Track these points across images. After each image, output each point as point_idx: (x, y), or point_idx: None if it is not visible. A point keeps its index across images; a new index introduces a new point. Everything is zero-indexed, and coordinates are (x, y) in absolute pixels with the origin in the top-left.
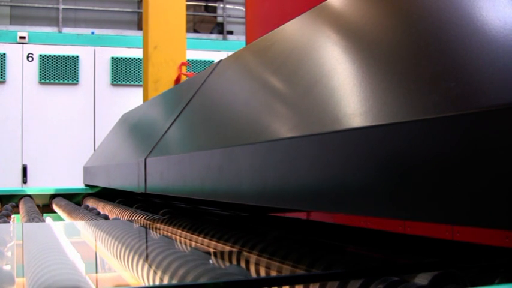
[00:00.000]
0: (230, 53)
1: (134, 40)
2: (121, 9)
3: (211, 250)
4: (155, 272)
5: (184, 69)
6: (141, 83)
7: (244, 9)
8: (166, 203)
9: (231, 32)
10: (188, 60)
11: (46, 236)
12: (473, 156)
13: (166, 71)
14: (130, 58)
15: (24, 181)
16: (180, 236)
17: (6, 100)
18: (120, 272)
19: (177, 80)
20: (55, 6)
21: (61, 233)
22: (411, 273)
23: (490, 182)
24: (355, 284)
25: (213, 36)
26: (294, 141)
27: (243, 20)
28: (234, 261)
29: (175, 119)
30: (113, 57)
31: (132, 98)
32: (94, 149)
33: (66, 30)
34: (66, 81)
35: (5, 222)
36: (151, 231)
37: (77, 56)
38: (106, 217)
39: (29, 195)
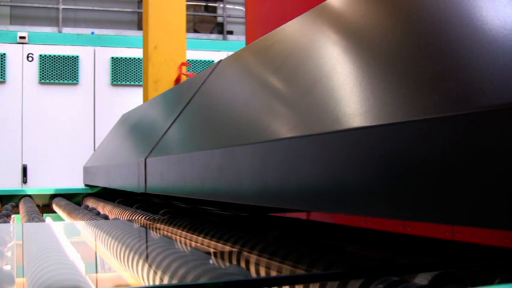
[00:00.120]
0: (230, 53)
1: (134, 40)
2: (121, 9)
3: (211, 250)
4: (155, 272)
5: (184, 69)
6: (141, 83)
7: (244, 9)
8: (166, 203)
9: (231, 32)
10: (188, 60)
11: (46, 236)
12: (473, 156)
13: (166, 71)
14: (130, 58)
15: (24, 181)
16: (180, 236)
17: (6, 100)
18: (120, 272)
19: (177, 80)
20: (55, 6)
21: (61, 233)
22: (411, 273)
23: (490, 182)
24: (355, 284)
25: (213, 36)
26: (294, 141)
27: (243, 20)
28: (234, 261)
29: (175, 119)
30: (113, 57)
31: (132, 98)
32: (94, 149)
33: (66, 30)
34: (66, 81)
35: (5, 222)
36: (151, 231)
37: (77, 56)
38: (106, 217)
39: (29, 195)
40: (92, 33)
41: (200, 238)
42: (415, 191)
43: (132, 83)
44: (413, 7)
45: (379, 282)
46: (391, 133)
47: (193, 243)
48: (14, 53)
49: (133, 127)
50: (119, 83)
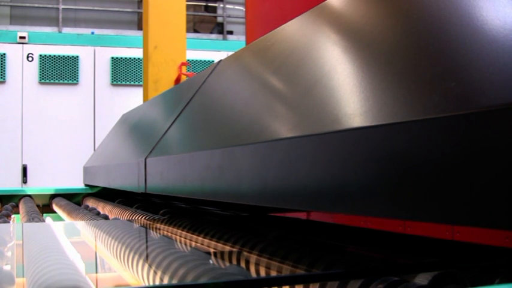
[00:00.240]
0: (230, 53)
1: (134, 40)
2: (121, 9)
3: (211, 250)
4: (155, 272)
5: (184, 69)
6: (141, 83)
7: (244, 9)
8: (166, 203)
9: (231, 32)
10: (188, 60)
11: (46, 236)
12: (473, 156)
13: (166, 71)
14: (130, 58)
15: (24, 181)
16: (180, 236)
17: (6, 100)
18: (120, 272)
19: (177, 80)
20: (55, 6)
21: (61, 233)
22: (411, 273)
23: (490, 182)
24: (355, 284)
25: (213, 36)
26: (294, 141)
27: (243, 20)
28: (234, 261)
29: (175, 119)
30: (113, 57)
31: (132, 98)
32: (94, 149)
33: (66, 30)
34: (66, 81)
35: (5, 222)
36: (151, 231)
37: (77, 56)
38: (106, 217)
39: (29, 195)
40: (92, 33)
41: (200, 238)
42: (415, 191)
43: (132, 83)
44: (413, 7)
45: (379, 282)
46: (391, 133)
47: (193, 243)
48: (14, 53)
49: (133, 127)
50: (119, 83)
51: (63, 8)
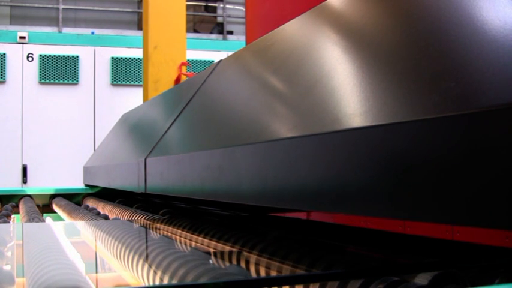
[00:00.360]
0: (230, 53)
1: (134, 40)
2: (121, 9)
3: (211, 250)
4: (155, 272)
5: (184, 69)
6: (141, 83)
7: (244, 9)
8: (166, 203)
9: (231, 32)
10: (188, 60)
11: (46, 236)
12: (473, 156)
13: (166, 71)
14: (130, 58)
15: (24, 181)
16: (180, 236)
17: (6, 100)
18: (120, 272)
19: (177, 80)
20: (55, 6)
21: (61, 233)
22: (411, 273)
23: (490, 182)
24: (355, 284)
25: (213, 36)
26: (294, 141)
27: (243, 20)
28: (234, 261)
29: (175, 119)
30: (113, 57)
31: (132, 98)
32: (94, 149)
33: (66, 30)
34: (66, 81)
35: (5, 222)
36: (151, 231)
37: (77, 56)
38: (106, 217)
39: (29, 195)
40: (92, 33)
41: (200, 238)
42: (415, 191)
43: (132, 83)
44: (413, 7)
45: (379, 282)
46: (391, 133)
47: (193, 243)
48: (14, 53)
49: (133, 127)
50: (119, 83)
51: (63, 8)
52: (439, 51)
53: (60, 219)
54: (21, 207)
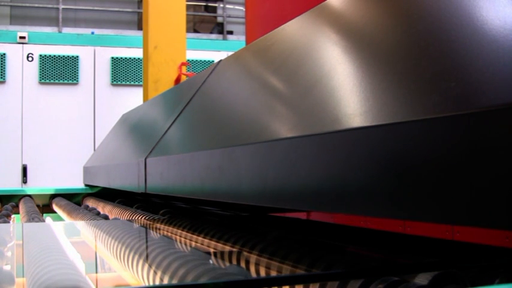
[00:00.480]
0: (230, 53)
1: (134, 40)
2: (121, 9)
3: (211, 250)
4: (155, 272)
5: (184, 69)
6: (141, 83)
7: (244, 9)
8: (166, 203)
9: (231, 32)
10: (188, 60)
11: (46, 236)
12: (473, 156)
13: (166, 71)
14: (130, 58)
15: (24, 181)
16: (180, 236)
17: (6, 100)
18: (120, 272)
19: (177, 80)
20: (55, 6)
21: (61, 233)
22: (411, 273)
23: (490, 182)
24: (355, 284)
25: (213, 36)
26: (294, 141)
27: (243, 20)
28: (234, 261)
29: (175, 119)
30: (113, 57)
31: (132, 98)
32: (94, 149)
33: (66, 30)
34: (66, 81)
35: (5, 222)
36: (151, 231)
37: (77, 56)
38: (106, 217)
39: (29, 195)
40: (92, 33)
41: (200, 238)
42: (415, 191)
43: (132, 83)
44: (413, 7)
45: (379, 282)
46: (391, 133)
47: (193, 243)
48: (14, 53)
49: (133, 127)
50: (119, 83)
51: (63, 8)
52: (439, 51)
53: (60, 219)
54: (21, 207)
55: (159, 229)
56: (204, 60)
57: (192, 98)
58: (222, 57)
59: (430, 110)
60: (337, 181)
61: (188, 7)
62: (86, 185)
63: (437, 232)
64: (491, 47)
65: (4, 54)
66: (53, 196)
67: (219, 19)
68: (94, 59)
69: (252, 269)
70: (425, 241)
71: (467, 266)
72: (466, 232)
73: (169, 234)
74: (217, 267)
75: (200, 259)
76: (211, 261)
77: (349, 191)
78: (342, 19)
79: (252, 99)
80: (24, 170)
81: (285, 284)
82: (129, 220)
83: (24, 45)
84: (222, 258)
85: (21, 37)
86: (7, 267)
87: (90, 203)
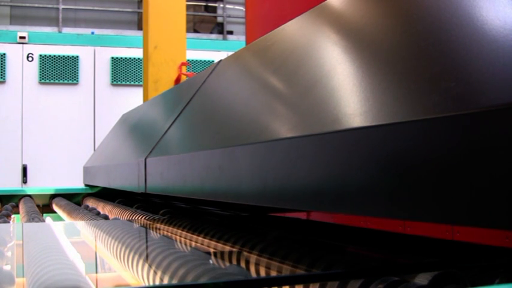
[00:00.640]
0: (230, 53)
1: (134, 40)
2: (121, 9)
3: (211, 250)
4: (155, 272)
5: (184, 69)
6: (141, 83)
7: (244, 9)
8: (166, 203)
9: (231, 32)
10: (188, 60)
11: (46, 236)
12: (473, 156)
13: (166, 71)
14: (130, 58)
15: (24, 181)
16: (180, 236)
17: (6, 100)
18: (120, 272)
19: (177, 80)
20: (55, 6)
21: (61, 233)
22: (411, 273)
23: (490, 182)
24: (355, 284)
25: (213, 36)
26: (294, 141)
27: (243, 20)
28: (234, 261)
29: (175, 119)
30: (113, 57)
31: (132, 98)
32: (94, 149)
33: (66, 30)
34: (66, 81)
35: (5, 222)
36: (151, 231)
37: (77, 56)
38: (106, 217)
39: (29, 195)
40: (92, 33)
41: (200, 238)
42: (415, 191)
43: (132, 83)
44: (413, 7)
45: (379, 282)
46: (391, 133)
47: (193, 243)
48: (14, 53)
49: (133, 127)
50: (119, 83)
51: (63, 8)
52: (439, 51)
53: (60, 219)
54: (21, 207)
55: (159, 229)
56: (204, 60)
57: (192, 98)
58: (222, 57)
59: (430, 110)
60: (337, 181)
61: (188, 7)
62: (86, 185)
63: (437, 232)
64: (491, 47)
65: (4, 54)
66: (53, 196)
67: (219, 19)
68: (94, 59)
69: (252, 269)
70: (425, 241)
71: (467, 266)
72: (466, 232)
73: (169, 234)
74: (217, 267)
75: (200, 259)
76: (211, 261)
77: (349, 191)
78: (342, 19)
79: (252, 99)
80: (24, 170)
81: (285, 284)
82: (129, 220)
83: (24, 45)
84: (222, 258)
85: (21, 37)
86: (7, 267)
87: (90, 203)
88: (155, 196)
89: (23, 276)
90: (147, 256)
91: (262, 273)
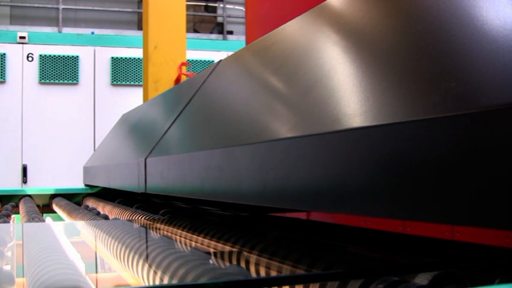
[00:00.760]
0: (230, 53)
1: (134, 40)
2: (121, 9)
3: (211, 250)
4: (155, 272)
5: (184, 69)
6: (141, 83)
7: (244, 9)
8: (166, 203)
9: (231, 32)
10: (188, 60)
11: (46, 236)
12: (473, 156)
13: (166, 71)
14: (130, 58)
15: (24, 181)
16: (180, 236)
17: (6, 100)
18: (120, 272)
19: (177, 80)
20: (55, 6)
21: (61, 233)
22: (411, 273)
23: (490, 182)
24: (355, 284)
25: (213, 36)
26: (294, 141)
27: (243, 20)
28: (234, 261)
29: (175, 119)
30: (113, 57)
31: (132, 98)
32: (94, 149)
33: (66, 30)
34: (66, 81)
35: (5, 222)
36: (151, 231)
37: (77, 56)
38: (106, 217)
39: (29, 195)
40: (92, 33)
41: (200, 238)
42: (415, 191)
43: (132, 83)
44: (413, 7)
45: (379, 282)
46: (391, 133)
47: (193, 243)
48: (14, 53)
49: (133, 127)
50: (119, 83)
51: (63, 8)
52: (439, 51)
53: (60, 219)
54: (21, 207)
55: (159, 229)
56: (204, 60)
57: (192, 98)
58: (222, 57)
59: (430, 110)
60: (337, 181)
61: (188, 7)
62: (86, 185)
63: (437, 232)
64: (491, 47)
65: (4, 54)
66: (53, 196)
67: (219, 19)
68: (94, 59)
69: (252, 269)
70: (425, 241)
71: (467, 266)
72: (466, 232)
73: (169, 234)
74: (217, 267)
75: (200, 259)
76: (211, 261)
77: (349, 191)
78: (342, 19)
79: (252, 99)
80: (24, 170)
81: (285, 284)
82: (129, 220)
83: (24, 45)
84: (222, 258)
85: (21, 37)
86: (7, 267)
87: (90, 203)
88: (155, 196)
89: (23, 276)
90: (147, 256)
91: (262, 273)
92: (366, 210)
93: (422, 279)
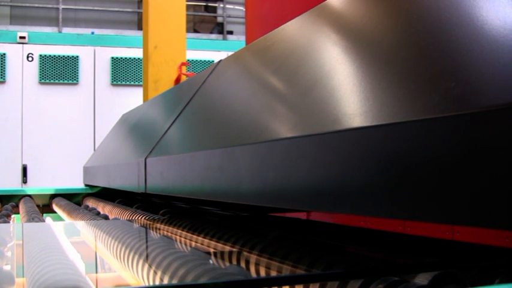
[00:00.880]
0: (230, 53)
1: (134, 40)
2: (121, 9)
3: (211, 250)
4: (155, 272)
5: (184, 69)
6: (141, 83)
7: (244, 9)
8: (166, 203)
9: (231, 32)
10: (188, 60)
11: (46, 236)
12: (473, 156)
13: (166, 71)
14: (130, 58)
15: (24, 181)
16: (180, 236)
17: (6, 100)
18: (120, 272)
19: (177, 80)
20: (55, 6)
21: (61, 233)
22: (411, 273)
23: (490, 182)
24: (355, 284)
25: (213, 36)
26: (294, 141)
27: (243, 20)
28: (234, 261)
29: (175, 119)
30: (113, 57)
31: (132, 98)
32: (94, 149)
33: (66, 30)
34: (66, 81)
35: (5, 222)
36: (151, 231)
37: (77, 56)
38: (106, 217)
39: (29, 195)
40: (92, 33)
41: (200, 238)
42: (415, 191)
43: (132, 83)
44: (413, 7)
45: (379, 282)
46: (391, 133)
47: (193, 243)
48: (14, 53)
49: (133, 127)
50: (119, 83)
51: (63, 8)
52: (439, 51)
53: (60, 219)
54: (21, 207)
55: (159, 229)
56: (204, 60)
57: (192, 98)
58: (222, 57)
59: (430, 110)
60: (337, 181)
61: (188, 7)
62: (86, 185)
63: (437, 232)
64: (491, 47)
65: (4, 54)
66: (53, 196)
67: (219, 19)
68: (94, 59)
69: (252, 269)
70: (425, 241)
71: (467, 266)
72: (466, 232)
73: (169, 234)
74: (217, 267)
75: (200, 259)
76: (211, 261)
77: (349, 191)
78: (342, 19)
79: (252, 99)
80: (24, 170)
81: (285, 284)
82: (129, 220)
83: (24, 45)
84: (222, 258)
85: (21, 37)
86: (7, 267)
87: (90, 203)
88: (155, 196)
89: (23, 276)
90: (147, 256)
91: (262, 273)
92: (366, 210)
93: (422, 279)
